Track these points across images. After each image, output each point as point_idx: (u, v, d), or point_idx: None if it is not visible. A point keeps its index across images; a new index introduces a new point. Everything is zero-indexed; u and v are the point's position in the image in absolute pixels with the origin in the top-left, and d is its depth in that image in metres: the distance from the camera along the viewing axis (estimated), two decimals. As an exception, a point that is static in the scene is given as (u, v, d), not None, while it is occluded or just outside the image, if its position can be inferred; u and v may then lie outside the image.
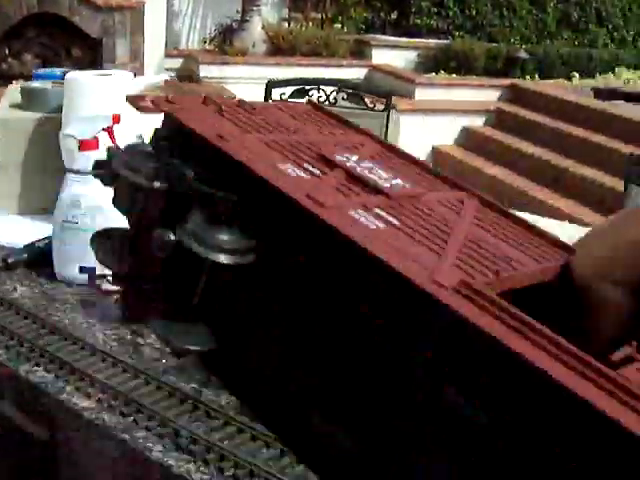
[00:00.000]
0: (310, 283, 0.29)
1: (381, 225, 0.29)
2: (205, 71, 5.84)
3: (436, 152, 5.57)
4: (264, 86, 2.52)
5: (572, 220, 4.14)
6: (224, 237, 0.29)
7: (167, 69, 5.95)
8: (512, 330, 0.24)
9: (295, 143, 0.34)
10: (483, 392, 0.24)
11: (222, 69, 5.81)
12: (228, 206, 0.30)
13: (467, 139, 5.64)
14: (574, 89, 5.76)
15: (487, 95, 5.84)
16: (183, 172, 0.30)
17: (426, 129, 5.56)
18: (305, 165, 0.32)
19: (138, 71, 4.95)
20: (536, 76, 6.12)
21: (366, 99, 2.60)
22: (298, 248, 0.29)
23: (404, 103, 5.62)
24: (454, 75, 6.06)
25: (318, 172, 0.32)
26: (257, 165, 0.30)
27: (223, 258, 0.29)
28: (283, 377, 0.30)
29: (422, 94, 5.71)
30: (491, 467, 0.24)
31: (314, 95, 2.61)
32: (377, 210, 0.30)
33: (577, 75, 6.22)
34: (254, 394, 0.32)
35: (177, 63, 6.04)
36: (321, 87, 2.62)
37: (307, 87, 2.62)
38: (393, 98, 5.70)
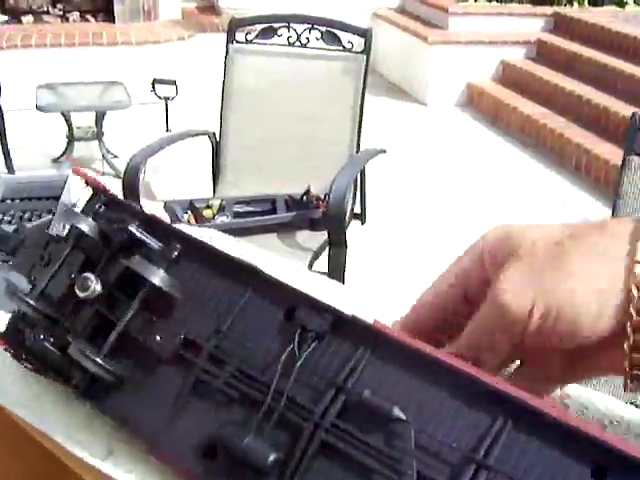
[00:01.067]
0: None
1: None
2: (226, 1, 5.47)
3: (470, 88, 5.13)
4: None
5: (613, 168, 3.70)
6: (162, 273, 0.40)
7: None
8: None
9: None
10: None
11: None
12: (170, 252, 0.40)
13: (504, 74, 5.16)
14: (625, 17, 5.18)
15: (528, 25, 5.30)
16: (128, 226, 0.41)
17: (460, 63, 5.11)
18: None
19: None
20: (585, 2, 5.52)
21: (343, 39, 2.21)
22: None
23: (435, 34, 5.16)
24: (494, 3, 5.53)
25: None
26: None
27: (162, 283, 0.39)
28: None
29: (457, 25, 5.24)
30: None
31: (283, 35, 2.25)
32: None
33: (632, 1, 5.60)
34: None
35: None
36: (291, 25, 2.24)
37: (275, 25, 2.26)
38: (424, 29, 5.27)
